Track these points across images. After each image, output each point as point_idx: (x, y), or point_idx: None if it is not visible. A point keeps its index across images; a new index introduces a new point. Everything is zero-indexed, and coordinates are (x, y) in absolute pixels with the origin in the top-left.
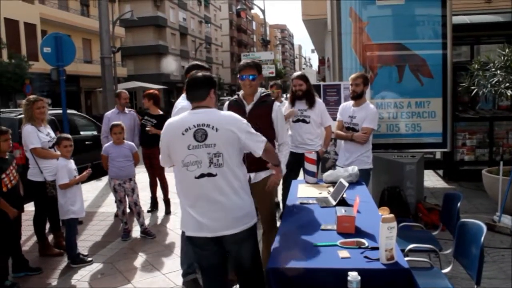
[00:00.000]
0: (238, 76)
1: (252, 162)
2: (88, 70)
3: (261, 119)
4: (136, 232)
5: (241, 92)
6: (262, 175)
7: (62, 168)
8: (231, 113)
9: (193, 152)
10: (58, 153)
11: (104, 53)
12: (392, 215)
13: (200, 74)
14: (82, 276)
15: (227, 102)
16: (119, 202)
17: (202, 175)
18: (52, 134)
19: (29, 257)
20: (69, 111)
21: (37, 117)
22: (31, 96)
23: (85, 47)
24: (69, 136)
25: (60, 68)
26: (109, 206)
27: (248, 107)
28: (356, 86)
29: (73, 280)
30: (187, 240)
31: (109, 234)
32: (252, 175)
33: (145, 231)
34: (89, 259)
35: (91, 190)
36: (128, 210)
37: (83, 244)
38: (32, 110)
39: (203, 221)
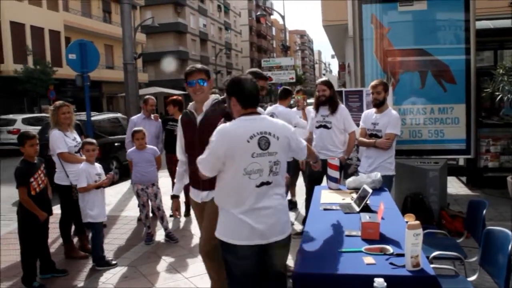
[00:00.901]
0: (185, 83)
1: (207, 180)
2: (110, 75)
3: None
4: (159, 236)
5: (191, 104)
6: (212, 195)
7: (82, 172)
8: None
9: (257, 160)
10: (84, 157)
11: (126, 59)
12: (418, 222)
13: (253, 80)
14: (107, 279)
15: (180, 116)
16: (142, 206)
17: (262, 184)
18: (78, 139)
19: (55, 259)
20: (117, 115)
21: (62, 122)
22: (57, 102)
23: (107, 53)
24: (93, 141)
25: (85, 74)
26: (132, 210)
27: (198, 118)
28: (378, 94)
29: (99, 282)
30: (226, 250)
31: (133, 237)
32: (205, 193)
33: (168, 235)
34: (114, 262)
35: (113, 194)
36: (151, 214)
37: (107, 248)
38: (58, 116)
39: (259, 228)
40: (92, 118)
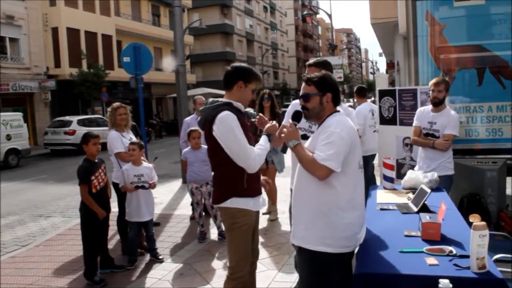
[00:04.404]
0: (245, 84)
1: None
2: (159, 77)
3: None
4: (212, 234)
5: (235, 103)
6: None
7: (122, 172)
8: None
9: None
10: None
11: (178, 61)
12: (484, 223)
13: None
14: (163, 275)
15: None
16: (196, 204)
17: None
18: (134, 139)
19: (112, 255)
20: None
21: (119, 123)
22: (115, 104)
23: (156, 55)
24: (135, 141)
25: (138, 76)
26: (184, 208)
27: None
28: (439, 93)
29: (155, 278)
30: (329, 263)
31: (186, 236)
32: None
33: (221, 234)
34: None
35: (165, 193)
36: (203, 213)
37: (162, 245)
38: (115, 117)
39: (362, 228)
40: None
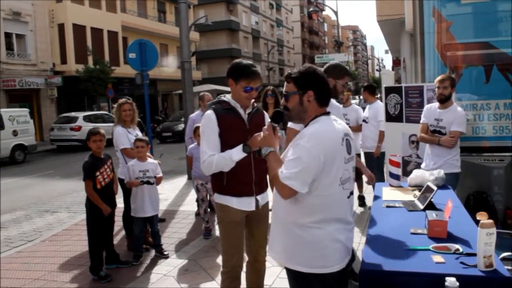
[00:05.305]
0: (236, 83)
1: (260, 183)
2: (164, 73)
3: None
4: (217, 231)
5: (231, 100)
6: (265, 197)
7: (128, 167)
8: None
9: (347, 166)
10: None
11: (184, 57)
12: (491, 221)
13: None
14: (168, 271)
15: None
16: (201, 201)
17: (351, 194)
18: (140, 135)
19: (118, 251)
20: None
21: (124, 119)
22: (121, 100)
23: (162, 51)
24: (142, 138)
25: (144, 73)
26: (189, 205)
27: (245, 117)
28: (444, 89)
29: (160, 274)
30: (315, 282)
31: (191, 232)
32: (260, 197)
33: None
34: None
35: (171, 189)
36: (208, 210)
37: (167, 241)
38: (120, 112)
39: (349, 245)
40: None
